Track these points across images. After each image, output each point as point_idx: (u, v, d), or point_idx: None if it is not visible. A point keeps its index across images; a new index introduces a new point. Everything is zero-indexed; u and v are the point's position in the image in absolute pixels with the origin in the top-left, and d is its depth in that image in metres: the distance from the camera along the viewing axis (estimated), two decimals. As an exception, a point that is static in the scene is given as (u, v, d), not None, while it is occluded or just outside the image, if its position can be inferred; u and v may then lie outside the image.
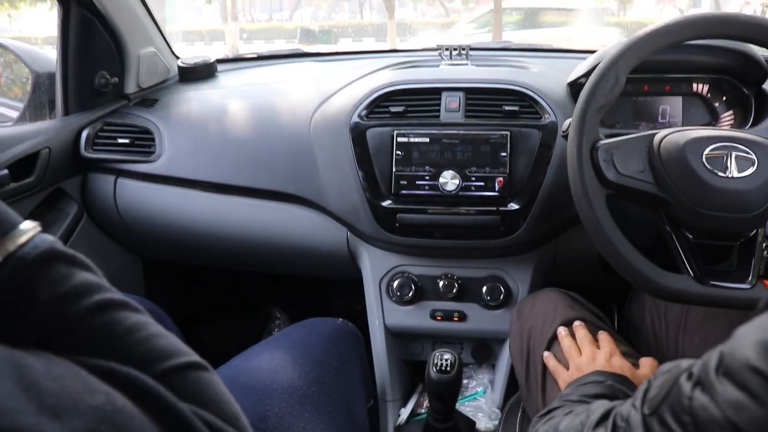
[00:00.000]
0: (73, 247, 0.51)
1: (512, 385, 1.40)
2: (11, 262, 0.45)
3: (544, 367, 1.17)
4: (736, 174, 1.02)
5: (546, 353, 1.18)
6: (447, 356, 1.20)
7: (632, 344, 1.23)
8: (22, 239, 0.46)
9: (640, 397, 0.63)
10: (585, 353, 1.11)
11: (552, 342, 1.20)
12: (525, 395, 1.23)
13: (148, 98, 1.75)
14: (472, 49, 1.75)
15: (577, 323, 1.19)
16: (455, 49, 1.73)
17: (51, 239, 0.48)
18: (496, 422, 1.41)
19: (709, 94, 1.46)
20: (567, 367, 1.12)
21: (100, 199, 1.66)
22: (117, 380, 0.43)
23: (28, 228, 0.48)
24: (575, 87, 1.44)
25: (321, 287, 2.16)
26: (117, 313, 0.48)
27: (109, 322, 0.47)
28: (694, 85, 1.47)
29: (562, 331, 1.19)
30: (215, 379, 0.51)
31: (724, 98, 1.45)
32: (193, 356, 0.50)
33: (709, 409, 0.52)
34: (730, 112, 1.44)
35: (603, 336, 1.15)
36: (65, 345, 0.44)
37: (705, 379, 0.53)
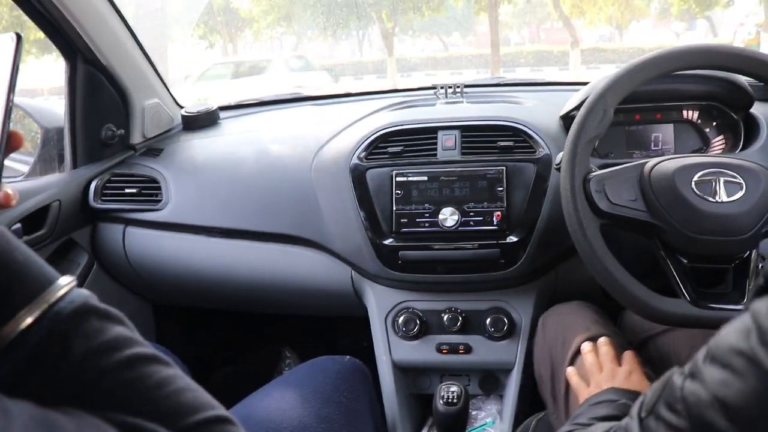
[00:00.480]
0: None
1: (521, 415, 1.41)
2: (48, 317, 0.47)
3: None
4: (725, 198, 1.05)
5: (569, 369, 1.17)
6: (453, 388, 1.22)
7: None
8: (59, 294, 0.48)
9: (637, 407, 0.66)
10: (605, 370, 1.11)
11: (576, 356, 1.20)
12: (551, 407, 1.23)
13: (154, 148, 1.79)
14: (466, 86, 1.79)
15: (602, 339, 1.18)
16: (450, 87, 1.77)
17: (86, 294, 0.50)
18: None
19: (699, 121, 1.50)
20: (589, 384, 1.11)
21: (110, 248, 1.70)
22: None
23: (65, 283, 0.50)
24: (567, 120, 1.48)
25: (328, 325, 2.18)
26: (147, 367, 0.50)
27: (140, 376, 0.49)
28: (685, 112, 1.50)
29: (586, 346, 1.18)
30: (240, 431, 0.52)
31: (714, 124, 1.49)
32: (220, 410, 0.51)
33: (699, 393, 0.56)
34: (721, 136, 1.47)
35: (627, 354, 1.15)
36: (96, 399, 0.46)
37: (694, 369, 0.58)
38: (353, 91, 2.15)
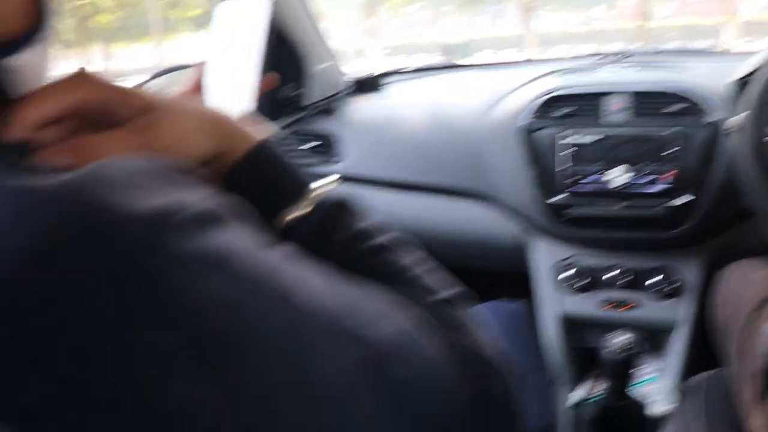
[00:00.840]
0: None
1: (685, 373, 1.43)
2: (315, 210, 0.55)
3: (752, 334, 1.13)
4: None
5: None
6: (622, 337, 1.25)
7: None
8: (322, 190, 0.57)
9: None
10: None
11: (755, 312, 1.14)
12: (727, 364, 1.19)
13: (327, 108, 1.93)
14: (629, 55, 1.81)
15: None
16: (613, 55, 1.79)
17: (342, 191, 0.58)
18: (671, 406, 1.43)
19: None
20: None
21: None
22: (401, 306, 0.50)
23: (328, 181, 0.58)
24: (740, 85, 1.46)
25: (483, 279, 2.24)
26: (392, 254, 0.56)
27: (386, 261, 0.55)
28: None
29: None
30: (475, 311, 0.57)
31: None
32: (458, 290, 0.56)
33: None
34: None
35: None
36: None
37: None
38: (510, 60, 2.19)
